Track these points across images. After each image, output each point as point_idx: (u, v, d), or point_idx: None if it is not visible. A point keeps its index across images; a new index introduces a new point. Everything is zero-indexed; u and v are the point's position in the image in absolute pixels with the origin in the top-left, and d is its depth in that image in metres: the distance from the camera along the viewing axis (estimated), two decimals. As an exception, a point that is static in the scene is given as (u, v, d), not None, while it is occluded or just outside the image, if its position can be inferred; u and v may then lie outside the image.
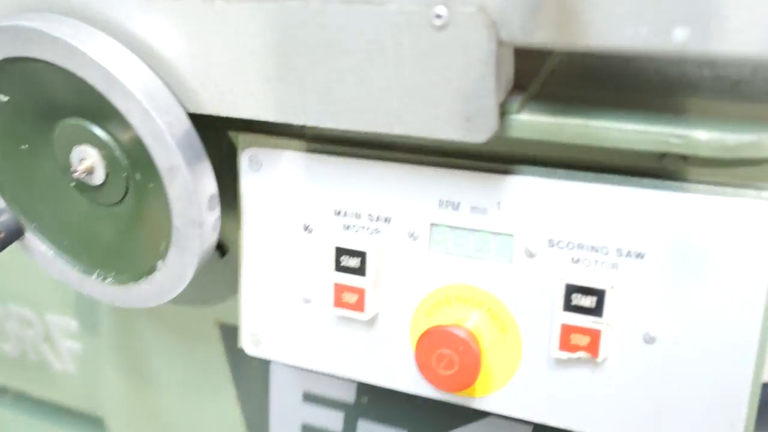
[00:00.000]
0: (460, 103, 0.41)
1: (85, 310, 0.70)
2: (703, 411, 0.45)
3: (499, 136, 0.46)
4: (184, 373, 0.67)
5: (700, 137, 0.39)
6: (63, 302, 0.71)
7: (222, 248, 0.59)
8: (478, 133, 0.41)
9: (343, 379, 0.57)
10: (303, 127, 0.51)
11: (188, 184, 0.47)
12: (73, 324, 0.71)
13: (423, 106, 0.42)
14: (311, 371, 0.56)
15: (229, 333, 0.63)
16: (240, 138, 0.52)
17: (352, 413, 0.61)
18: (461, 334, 0.46)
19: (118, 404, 0.72)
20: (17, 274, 0.72)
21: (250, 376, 0.64)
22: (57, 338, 0.73)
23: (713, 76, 0.49)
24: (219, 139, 0.55)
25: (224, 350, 0.64)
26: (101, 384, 0.72)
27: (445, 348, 0.46)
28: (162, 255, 0.51)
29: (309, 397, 0.62)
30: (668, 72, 0.49)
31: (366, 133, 0.49)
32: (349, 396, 0.60)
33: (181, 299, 0.63)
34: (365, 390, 0.60)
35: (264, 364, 0.63)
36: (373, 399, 0.60)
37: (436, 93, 0.41)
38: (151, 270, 0.52)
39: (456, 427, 0.58)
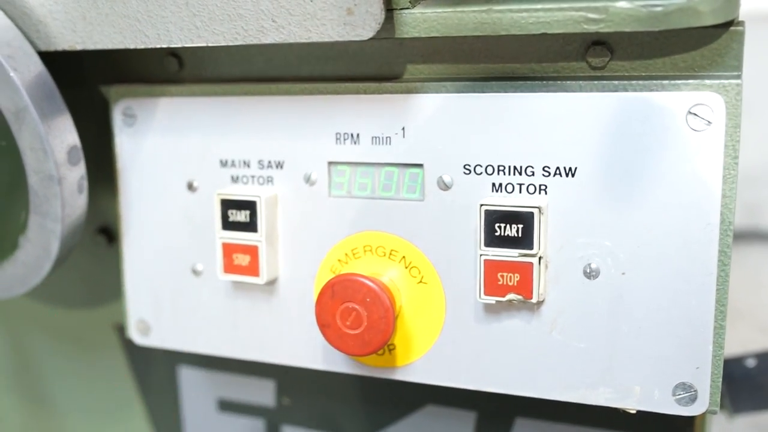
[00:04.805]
0: (338, -7, 0.34)
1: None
2: (663, 354, 0.37)
3: (395, 50, 0.40)
4: (86, 393, 0.59)
5: (621, 5, 0.33)
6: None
7: (109, 234, 0.52)
8: (362, 28, 0.35)
9: (243, 360, 0.49)
10: (179, 70, 0.44)
11: (39, 129, 0.40)
12: (-41, 348, 0.62)
13: (298, 1, 0.35)
14: (209, 355, 0.48)
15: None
16: (111, 91, 0.45)
17: (274, 419, 0.52)
18: (367, 282, 0.38)
19: (17, 439, 0.63)
20: None
21: (158, 387, 0.55)
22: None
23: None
24: (96, 104, 0.48)
25: (126, 359, 0.55)
26: (-2, 417, 0.63)
27: (350, 302, 0.38)
28: (23, 228, 0.43)
29: (224, 405, 0.54)
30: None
31: (247, 66, 0.43)
32: (267, 398, 0.52)
33: (74, 301, 0.55)
34: (285, 389, 0.51)
35: (170, 372, 0.54)
36: (296, 400, 0.51)
37: (310, -16, 0.35)
38: (13, 248, 0.44)
39: (390, 423, 0.49)
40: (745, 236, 1.28)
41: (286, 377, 0.51)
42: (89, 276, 0.54)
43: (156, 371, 0.55)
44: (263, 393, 0.52)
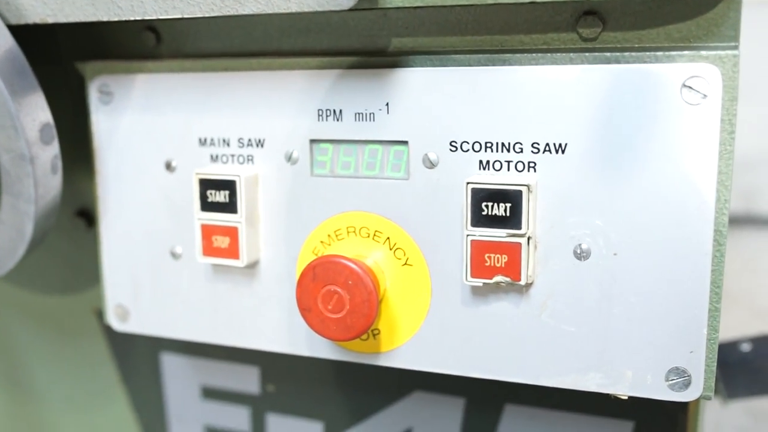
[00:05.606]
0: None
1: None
2: (656, 338, 0.36)
3: (378, 23, 0.38)
4: (67, 378, 0.57)
5: (613, -28, 0.31)
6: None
7: (88, 217, 0.50)
8: (342, -3, 0.33)
9: (226, 347, 0.48)
10: (156, 45, 0.43)
11: (9, 106, 0.38)
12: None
13: (273, -30, 0.34)
14: (188, 340, 0.46)
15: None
16: (87, 67, 0.44)
17: (259, 407, 0.51)
18: (349, 264, 0.37)
19: (-1, 428, 0.61)
20: None
21: (140, 374, 0.54)
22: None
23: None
24: (71, 82, 0.47)
25: (107, 344, 0.54)
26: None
27: (331, 284, 0.37)
28: (-5, 210, 0.42)
29: (208, 393, 0.52)
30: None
31: (227, 41, 0.41)
32: (252, 386, 0.51)
33: (54, 285, 0.54)
34: (270, 376, 0.50)
35: (153, 358, 0.53)
36: (281, 387, 0.50)
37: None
38: (-14, 231, 0.43)
39: (378, 410, 0.48)
40: (740, 221, 1.27)
41: (270, 364, 0.49)
42: (69, 260, 0.52)
43: (138, 357, 0.54)
44: (248, 380, 0.51)
